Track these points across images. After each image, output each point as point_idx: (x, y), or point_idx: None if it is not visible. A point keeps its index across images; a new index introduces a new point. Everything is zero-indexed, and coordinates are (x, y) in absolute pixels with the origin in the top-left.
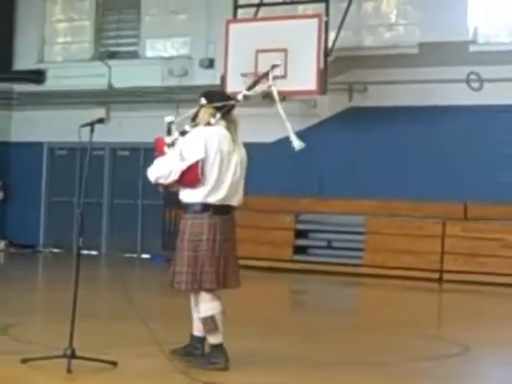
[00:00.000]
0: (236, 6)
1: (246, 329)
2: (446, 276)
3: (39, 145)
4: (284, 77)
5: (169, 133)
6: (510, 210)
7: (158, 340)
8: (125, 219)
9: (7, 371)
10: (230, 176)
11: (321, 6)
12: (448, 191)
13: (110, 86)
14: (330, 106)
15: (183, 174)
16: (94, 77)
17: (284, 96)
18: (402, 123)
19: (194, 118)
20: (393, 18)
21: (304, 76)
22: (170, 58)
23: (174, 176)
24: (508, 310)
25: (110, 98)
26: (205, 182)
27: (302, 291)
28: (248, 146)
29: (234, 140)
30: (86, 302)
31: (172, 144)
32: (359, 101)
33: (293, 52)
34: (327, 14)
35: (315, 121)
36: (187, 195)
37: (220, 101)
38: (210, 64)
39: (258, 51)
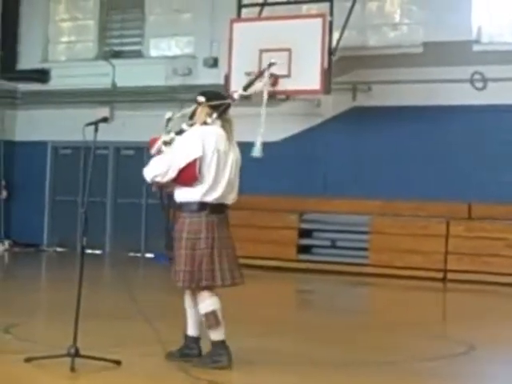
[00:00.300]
0: (240, 6)
1: (249, 328)
2: (450, 276)
3: (43, 144)
4: (288, 76)
5: (166, 128)
6: None
7: (161, 339)
8: (129, 218)
9: (11, 370)
10: (226, 175)
11: (325, 6)
12: (452, 191)
13: (113, 85)
14: (333, 105)
15: (180, 172)
16: (98, 76)
17: (288, 95)
18: (405, 123)
19: (191, 116)
20: (397, 18)
21: (308, 75)
22: (174, 58)
23: (172, 174)
24: None
25: (114, 97)
26: (202, 180)
27: (307, 291)
28: (252, 146)
29: (229, 139)
30: (90, 301)
31: (169, 143)
32: (363, 100)
33: (297, 51)
34: (331, 13)
35: (319, 120)
36: (183, 194)
37: (216, 100)
38: (214, 63)
39: (262, 51)
